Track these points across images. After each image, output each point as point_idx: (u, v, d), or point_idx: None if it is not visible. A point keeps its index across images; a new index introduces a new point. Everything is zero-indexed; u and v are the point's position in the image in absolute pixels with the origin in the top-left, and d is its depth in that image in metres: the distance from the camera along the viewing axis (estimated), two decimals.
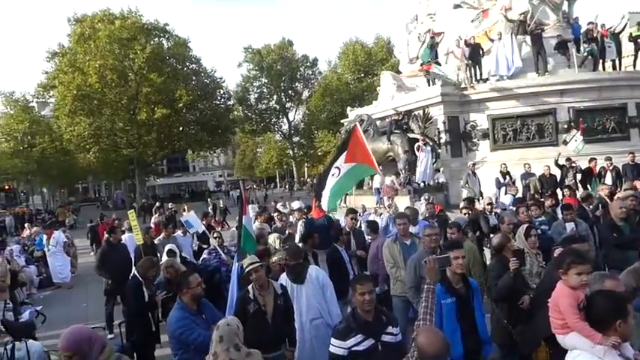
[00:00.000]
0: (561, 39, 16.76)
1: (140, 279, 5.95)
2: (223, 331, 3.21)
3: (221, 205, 27.43)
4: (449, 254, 4.00)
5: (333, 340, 3.63)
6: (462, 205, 9.90)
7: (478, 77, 17.04)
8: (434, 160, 15.68)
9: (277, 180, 73.28)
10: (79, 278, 13.97)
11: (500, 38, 16.63)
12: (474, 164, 15.25)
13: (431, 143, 15.74)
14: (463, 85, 16.94)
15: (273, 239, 8.46)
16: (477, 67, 17.02)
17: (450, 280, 4.14)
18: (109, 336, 8.09)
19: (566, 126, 15.69)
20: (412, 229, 6.69)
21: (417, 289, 5.10)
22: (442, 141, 16.69)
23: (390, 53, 49.60)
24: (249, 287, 4.67)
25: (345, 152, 7.83)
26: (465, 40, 17.12)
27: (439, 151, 16.36)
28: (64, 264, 13.63)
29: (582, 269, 3.33)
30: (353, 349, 3.54)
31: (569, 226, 6.95)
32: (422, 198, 11.74)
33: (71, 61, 38.08)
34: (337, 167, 7.92)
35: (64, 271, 13.51)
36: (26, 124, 43.57)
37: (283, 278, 5.14)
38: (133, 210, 10.10)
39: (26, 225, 22.41)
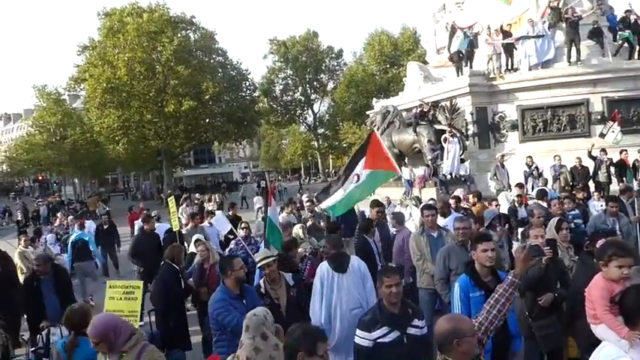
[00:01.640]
0: (597, 26, 16.23)
1: (176, 267, 6.04)
2: (249, 321, 3.23)
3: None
4: (539, 243, 3.63)
5: (358, 332, 3.63)
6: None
7: (509, 67, 16.66)
8: (461, 151, 15.48)
9: (302, 171, 73.51)
10: (111, 266, 14.17)
11: (533, 26, 16.20)
12: (502, 156, 14.97)
13: (458, 135, 15.52)
14: (492, 75, 16.60)
15: (297, 229, 8.49)
16: (509, 56, 16.64)
17: (479, 273, 4.08)
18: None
19: (599, 117, 15.24)
20: (442, 222, 6.62)
21: (446, 282, 5.05)
22: (470, 132, 16.44)
23: (417, 44, 48.94)
24: (261, 282, 4.74)
25: (364, 158, 7.71)
26: (497, 29, 16.76)
27: (467, 142, 16.12)
28: (94, 252, 13.92)
29: (624, 262, 3.27)
30: (378, 340, 3.54)
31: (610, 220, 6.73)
32: (458, 189, 11.51)
33: (101, 54, 38.86)
34: (357, 174, 7.84)
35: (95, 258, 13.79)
36: (58, 117, 44.69)
37: (324, 267, 5.14)
38: (172, 197, 10.19)
39: (58, 214, 23.03)
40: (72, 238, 11.14)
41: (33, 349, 5.39)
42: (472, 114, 16.41)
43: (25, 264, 9.16)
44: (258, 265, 4.77)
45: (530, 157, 14.16)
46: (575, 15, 15.89)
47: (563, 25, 16.24)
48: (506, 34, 16.64)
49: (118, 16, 40.10)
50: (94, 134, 42.79)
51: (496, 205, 8.95)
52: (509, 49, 16.59)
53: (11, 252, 8.94)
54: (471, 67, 17.20)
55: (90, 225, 14.15)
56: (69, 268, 13.25)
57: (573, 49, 15.88)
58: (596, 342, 3.06)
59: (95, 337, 3.20)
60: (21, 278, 8.82)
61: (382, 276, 3.70)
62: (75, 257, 10.63)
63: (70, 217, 17.63)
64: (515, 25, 17.10)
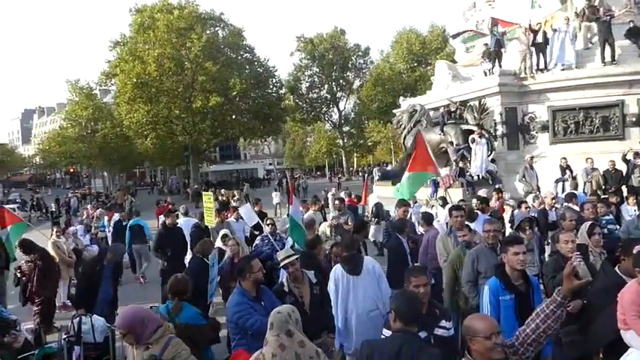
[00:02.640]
0: (634, 25, 15.74)
1: (207, 261, 6.11)
2: (274, 319, 3.23)
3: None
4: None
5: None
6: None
7: (541, 66, 16.31)
8: (489, 152, 15.24)
9: (326, 169, 73.60)
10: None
11: (567, 23, 15.83)
12: (531, 158, 14.67)
13: (487, 135, 15.28)
14: (523, 75, 16.29)
15: (324, 228, 8.51)
16: (541, 55, 16.29)
17: (510, 276, 4.02)
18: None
19: (634, 119, 14.78)
20: (473, 225, 6.53)
21: (474, 285, 4.98)
22: (498, 133, 16.15)
23: (445, 42, 48.43)
24: (283, 280, 4.70)
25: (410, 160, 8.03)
26: (528, 27, 16.41)
27: (495, 143, 15.87)
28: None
29: None
30: None
31: None
32: (482, 190, 11.38)
33: (131, 50, 39.61)
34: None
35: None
36: (90, 111, 45.75)
37: (338, 269, 5.09)
38: (210, 192, 10.25)
39: (88, 206, 23.60)
40: (130, 222, 12.32)
41: (65, 336, 5.55)
42: (501, 114, 16.11)
43: (58, 253, 9.42)
44: (282, 264, 4.73)
45: (564, 158, 13.84)
46: (607, 13, 15.45)
47: (595, 24, 15.82)
48: (537, 33, 16.28)
49: (148, 12, 40.82)
50: (124, 128, 43.67)
51: (526, 208, 8.80)
52: (540, 48, 16.24)
53: (43, 241, 9.19)
54: (499, 67, 16.90)
55: (117, 218, 14.41)
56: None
57: (607, 48, 15.44)
58: (609, 349, 3.02)
59: (123, 328, 3.30)
60: None
61: (410, 276, 3.69)
62: (132, 240, 11.76)
63: (99, 209, 18.01)
64: (547, 23, 16.70)
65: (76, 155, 48.53)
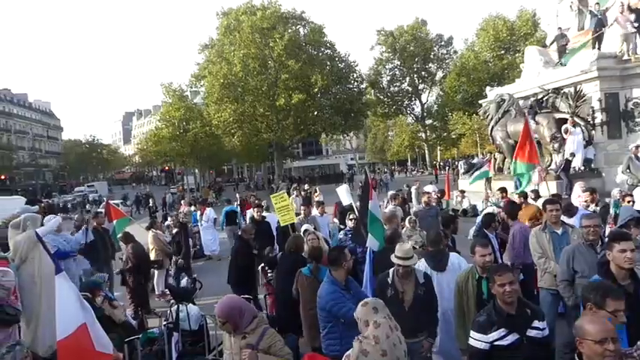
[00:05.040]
0: None
1: (302, 256, 6.22)
2: (375, 303, 3.26)
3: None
4: None
5: (473, 334, 3.47)
6: None
7: None
8: (585, 142, 14.18)
9: (408, 163, 72.41)
10: (227, 251, 15.05)
11: None
12: (637, 147, 13.42)
13: (583, 124, 14.21)
14: (625, 57, 14.93)
15: (407, 223, 8.38)
16: None
17: (616, 275, 3.71)
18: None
19: None
20: (570, 220, 6.11)
21: (570, 284, 4.67)
22: (597, 121, 14.95)
23: (535, 27, 45.72)
24: (390, 271, 4.57)
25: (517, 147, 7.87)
26: (629, 6, 15.03)
27: (592, 132, 14.71)
28: (214, 238, 14.97)
29: None
30: (496, 343, 3.35)
31: None
32: (577, 185, 10.63)
33: (218, 52, 41.54)
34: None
35: (214, 244, 14.86)
36: (182, 112, 48.41)
37: (423, 264, 4.99)
38: (283, 192, 10.23)
39: (182, 201, 25.05)
40: (226, 208, 15.25)
41: (165, 323, 5.95)
42: (600, 100, 14.88)
43: (159, 244, 10.18)
44: (398, 264, 4.46)
45: None
46: None
47: None
48: (637, 11, 14.84)
49: (234, 15, 42.55)
50: (212, 127, 45.85)
51: (629, 202, 8.07)
52: None
53: (141, 235, 9.93)
54: (599, 49, 15.61)
55: (210, 212, 15.17)
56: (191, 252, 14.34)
57: None
58: None
59: (222, 317, 3.48)
60: (152, 256, 9.92)
61: (493, 275, 3.52)
62: (227, 222, 14.64)
63: (192, 206, 18.99)
64: None
65: (170, 154, 51.61)
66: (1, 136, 71.81)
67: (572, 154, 14.13)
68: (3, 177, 61.48)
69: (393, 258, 4.47)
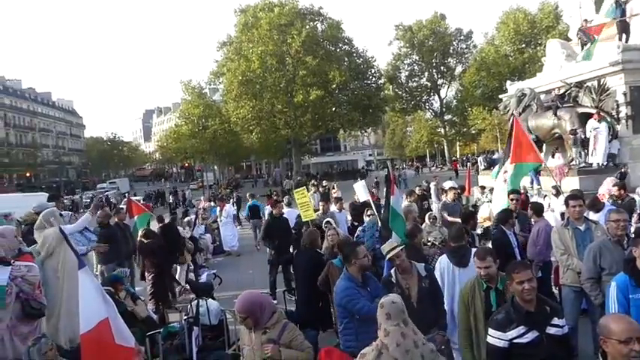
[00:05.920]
0: None
1: (318, 251, 6.23)
2: (390, 309, 3.23)
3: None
4: None
5: (491, 331, 3.44)
6: None
7: None
8: (610, 137, 13.85)
9: (427, 159, 71.84)
10: (246, 247, 15.19)
11: None
12: None
13: (609, 119, 13.89)
14: None
15: (426, 219, 8.31)
16: None
17: None
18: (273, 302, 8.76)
19: None
20: (594, 216, 5.99)
21: (597, 282, 4.58)
22: (622, 115, 14.60)
23: (557, 19, 44.85)
24: (392, 271, 4.61)
25: (510, 153, 7.60)
26: None
27: (617, 127, 14.38)
28: (233, 234, 15.09)
29: None
30: (515, 341, 3.32)
31: None
32: (607, 179, 10.39)
33: (237, 49, 41.74)
34: (506, 171, 7.70)
35: (233, 240, 14.98)
36: (201, 109, 48.93)
37: (444, 260, 4.97)
38: (304, 188, 10.29)
39: (201, 197, 25.33)
40: (249, 203, 16.08)
41: (185, 317, 6.03)
42: (625, 94, 14.52)
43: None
44: (387, 257, 4.64)
45: None
46: None
47: None
48: None
49: (251, 12, 42.69)
50: (231, 124, 46.19)
51: None
52: None
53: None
54: (626, 41, 15.20)
55: (229, 208, 15.32)
56: (211, 247, 14.46)
57: None
58: None
59: (242, 312, 3.50)
60: None
61: (511, 272, 3.48)
62: (251, 216, 15.55)
63: (211, 202, 19.18)
64: None
65: (190, 150, 52.14)
66: (27, 134, 73.40)
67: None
68: (28, 174, 62.89)
69: (388, 256, 4.57)
